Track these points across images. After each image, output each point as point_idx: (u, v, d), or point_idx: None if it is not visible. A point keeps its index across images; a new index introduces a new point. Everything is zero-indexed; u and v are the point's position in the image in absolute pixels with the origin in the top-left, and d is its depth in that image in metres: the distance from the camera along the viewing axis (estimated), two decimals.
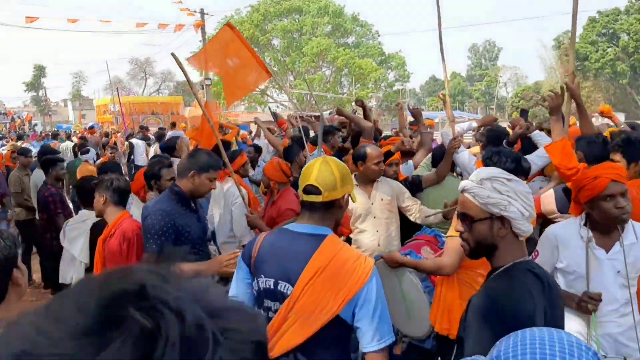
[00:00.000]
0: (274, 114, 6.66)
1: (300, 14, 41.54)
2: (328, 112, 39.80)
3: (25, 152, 6.93)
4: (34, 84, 48.66)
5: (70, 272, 3.69)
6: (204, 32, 22.51)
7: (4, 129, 32.31)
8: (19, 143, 13.75)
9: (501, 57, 68.40)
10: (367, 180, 3.62)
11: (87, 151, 7.55)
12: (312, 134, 6.43)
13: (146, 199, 3.95)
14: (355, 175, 3.49)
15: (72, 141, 14.68)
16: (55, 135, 16.85)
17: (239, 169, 4.63)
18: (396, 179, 3.94)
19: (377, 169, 3.56)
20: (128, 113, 40.16)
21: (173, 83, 63.27)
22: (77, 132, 29.28)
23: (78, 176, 6.82)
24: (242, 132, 13.69)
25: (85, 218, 3.78)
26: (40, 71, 48.81)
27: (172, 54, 3.25)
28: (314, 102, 35.40)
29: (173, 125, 14.95)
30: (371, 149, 3.57)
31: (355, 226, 3.60)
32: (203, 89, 23.26)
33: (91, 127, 19.09)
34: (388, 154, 3.92)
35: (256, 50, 24.19)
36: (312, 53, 38.58)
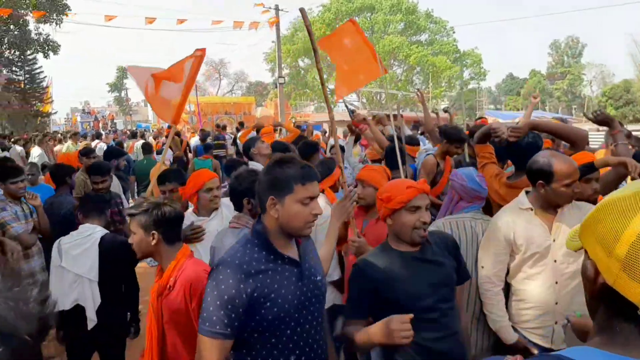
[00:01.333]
0: (352, 111, 6.08)
1: (372, 11, 41.12)
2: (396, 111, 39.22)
3: (87, 153, 6.29)
4: (117, 85, 51.47)
5: (73, 295, 3.15)
6: (278, 30, 22.62)
7: (88, 127, 34.30)
8: (94, 143, 13.97)
9: (585, 53, 64.34)
10: (550, 206, 2.51)
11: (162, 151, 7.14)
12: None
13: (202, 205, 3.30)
14: (527, 193, 2.63)
15: (145, 139, 14.71)
16: (134, 135, 16.67)
17: (335, 183, 3.68)
18: (595, 201, 2.76)
19: (568, 192, 2.41)
20: (202, 113, 41.54)
21: (246, 84, 64.80)
22: (154, 130, 30.52)
23: (151, 178, 6.60)
24: (315, 132, 13.22)
25: (89, 232, 3.24)
26: (122, 72, 51.52)
27: (300, 9, 2.65)
28: (383, 100, 34.68)
29: (241, 125, 14.57)
30: (561, 163, 2.40)
31: (523, 270, 2.56)
32: (276, 87, 23.32)
33: (168, 127, 19.54)
34: (586, 170, 2.69)
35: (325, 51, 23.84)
36: (384, 51, 38.02)
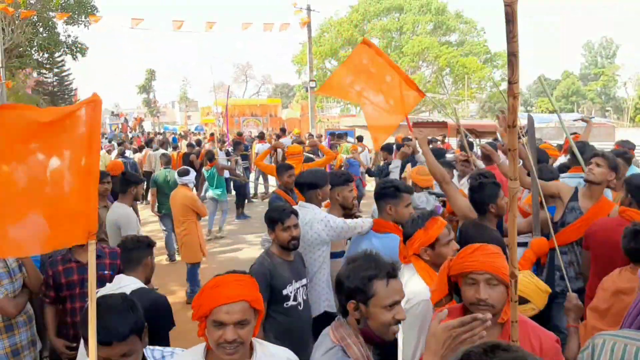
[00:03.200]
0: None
1: (400, 12, 40.52)
2: (427, 113, 38.33)
3: (100, 177, 5.35)
4: (146, 87, 52.05)
5: None
6: (309, 31, 22.32)
7: (117, 129, 34.63)
8: (112, 155, 13.27)
9: (619, 54, 62.55)
10: None
11: (187, 172, 6.20)
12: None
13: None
14: None
15: (165, 148, 13.91)
16: (148, 143, 15.03)
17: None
18: None
19: None
20: (229, 115, 41.60)
21: (272, 85, 64.89)
22: (182, 133, 30.54)
23: (172, 205, 6.19)
24: (349, 141, 12.31)
25: (124, 284, 2.79)
26: (151, 75, 52.09)
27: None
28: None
29: (283, 131, 13.97)
30: None
31: None
32: (307, 91, 22.97)
33: (197, 130, 19.27)
34: None
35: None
36: (413, 52, 37.41)
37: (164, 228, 7.76)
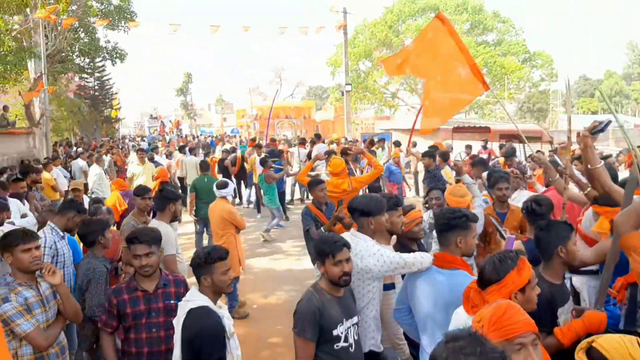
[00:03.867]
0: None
1: (436, 12, 39.74)
2: (464, 114, 37.37)
3: (142, 192, 5.05)
4: (183, 90, 52.90)
5: None
6: (346, 34, 22.11)
7: (155, 131, 35.24)
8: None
9: None
10: None
11: (225, 185, 5.99)
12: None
13: None
14: None
15: (197, 155, 13.72)
16: (182, 148, 14.65)
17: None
18: None
19: None
20: (263, 117, 41.83)
21: (305, 88, 64.90)
22: (218, 136, 30.78)
23: (210, 217, 5.99)
24: (385, 145, 11.81)
25: (190, 298, 2.72)
26: (188, 78, 52.92)
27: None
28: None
29: (318, 137, 13.64)
30: None
31: None
32: (343, 95, 22.74)
33: (233, 134, 19.26)
34: None
35: (387, 52, 23.24)
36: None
37: (197, 230, 8.24)
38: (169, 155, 14.23)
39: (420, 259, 2.83)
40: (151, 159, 13.47)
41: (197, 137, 29.65)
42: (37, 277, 3.04)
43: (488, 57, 36.30)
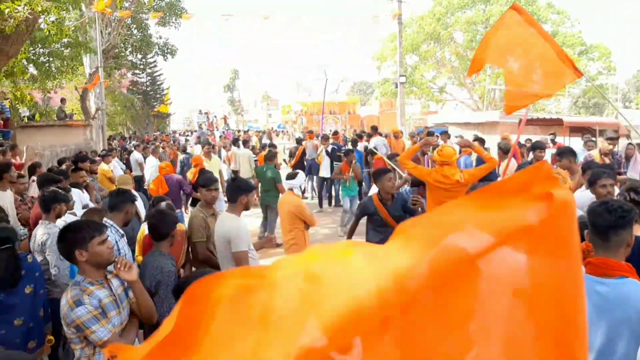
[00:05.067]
0: None
1: (486, 4, 38.50)
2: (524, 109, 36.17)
3: (207, 183, 4.73)
4: (230, 86, 53.49)
5: None
6: (400, 24, 21.55)
7: (204, 126, 35.66)
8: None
9: None
10: None
11: (294, 175, 5.65)
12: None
13: None
14: None
15: (248, 147, 13.54)
16: (235, 141, 13.94)
17: None
18: None
19: None
20: (308, 113, 41.67)
21: (350, 83, 64.46)
22: (265, 131, 30.82)
23: (280, 211, 5.68)
24: (453, 141, 11.15)
25: None
26: (235, 74, 53.47)
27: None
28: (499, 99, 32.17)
29: (375, 130, 13.28)
30: None
31: None
32: (397, 87, 22.18)
33: (280, 129, 19.14)
34: None
35: (436, 46, 22.38)
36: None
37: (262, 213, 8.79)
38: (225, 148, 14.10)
39: None
40: (184, 150, 13.52)
41: (246, 131, 29.81)
42: (106, 274, 2.74)
43: None
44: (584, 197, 3.95)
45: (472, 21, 37.27)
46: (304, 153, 12.48)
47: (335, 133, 14.79)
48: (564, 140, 12.23)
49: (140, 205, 5.61)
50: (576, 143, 12.45)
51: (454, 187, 5.11)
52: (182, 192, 8.13)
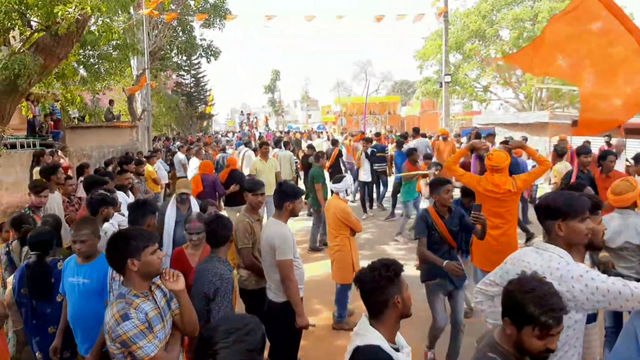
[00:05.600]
0: None
1: (534, 0, 37.22)
2: (560, 109, 34.77)
3: (254, 188, 4.55)
4: (271, 87, 53.83)
5: None
6: (446, 21, 21.07)
7: (245, 126, 36.01)
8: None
9: None
10: None
11: (339, 179, 5.48)
12: None
13: None
14: None
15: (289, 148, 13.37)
16: (277, 142, 14.15)
17: None
18: None
19: None
20: (349, 113, 41.46)
21: (391, 82, 63.76)
22: (304, 131, 30.79)
23: (327, 216, 5.45)
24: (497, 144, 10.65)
25: (358, 331, 2.23)
26: (276, 75, 53.76)
27: None
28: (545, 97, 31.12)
29: (417, 131, 12.77)
30: None
31: None
32: (440, 86, 21.69)
33: (320, 129, 18.96)
34: None
35: (481, 44, 21.70)
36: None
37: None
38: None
39: None
40: (223, 150, 13.51)
41: (287, 132, 29.88)
42: (150, 286, 2.60)
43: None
44: None
45: (519, 18, 36.09)
46: (339, 154, 12.30)
47: (378, 134, 14.52)
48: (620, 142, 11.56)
49: (194, 204, 5.54)
50: (635, 146, 11.77)
51: (506, 197, 4.75)
52: (216, 192, 8.25)
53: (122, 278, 2.60)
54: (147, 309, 2.46)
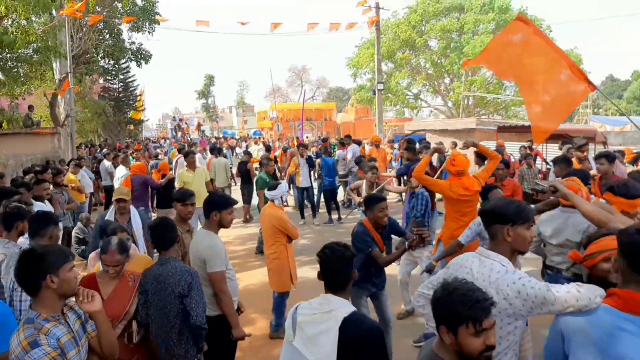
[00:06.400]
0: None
1: (461, 12, 39.02)
2: (487, 116, 36.58)
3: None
4: (204, 92, 52.85)
5: None
6: (378, 30, 21.55)
7: (177, 132, 35.10)
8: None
9: None
10: None
11: (274, 187, 5.41)
12: None
13: None
14: None
15: (223, 155, 12.84)
16: (212, 150, 13.82)
17: None
18: None
19: None
20: (285, 119, 41.46)
21: (327, 89, 64.45)
22: (239, 137, 30.39)
23: (261, 223, 5.37)
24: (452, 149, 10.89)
25: (330, 307, 2.40)
26: (209, 80, 52.87)
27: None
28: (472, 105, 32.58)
29: (349, 137, 12.71)
30: None
31: None
32: (374, 94, 22.11)
33: (256, 135, 18.80)
34: None
35: (411, 53, 22.60)
36: (474, 53, 35.74)
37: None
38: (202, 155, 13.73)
39: (588, 294, 2.01)
40: (156, 157, 13.08)
41: (226, 138, 29.35)
42: (62, 308, 2.37)
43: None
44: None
45: (446, 29, 37.64)
46: (275, 161, 12.16)
47: (325, 140, 14.37)
48: (541, 147, 12.25)
49: (134, 216, 5.40)
50: (553, 150, 12.50)
51: (474, 197, 4.89)
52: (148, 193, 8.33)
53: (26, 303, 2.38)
54: (59, 334, 2.21)
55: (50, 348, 2.12)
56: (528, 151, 11.44)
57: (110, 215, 5.32)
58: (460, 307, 1.78)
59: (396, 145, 14.29)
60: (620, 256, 1.97)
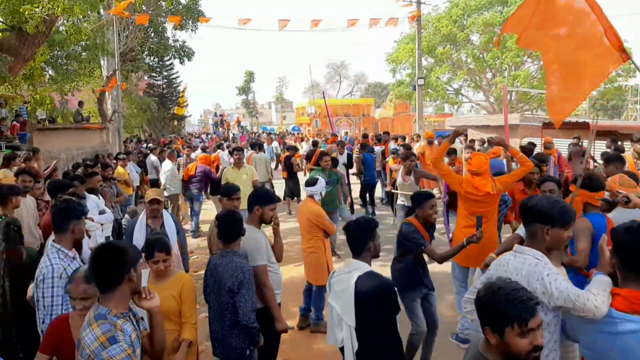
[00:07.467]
0: None
1: (504, 5, 38.03)
2: (530, 111, 35.54)
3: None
4: (245, 88, 53.57)
5: (339, 334, 2.93)
6: (419, 25, 21.33)
7: (218, 127, 35.80)
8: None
9: None
10: None
11: (314, 182, 5.34)
12: None
13: None
14: None
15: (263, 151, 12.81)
16: (253, 145, 13.30)
17: None
18: None
19: None
20: (323, 115, 41.60)
21: (365, 85, 64.14)
22: (278, 133, 30.72)
23: (299, 218, 5.44)
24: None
25: (352, 267, 2.96)
26: (250, 76, 53.52)
27: None
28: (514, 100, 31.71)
29: (387, 134, 12.61)
30: None
31: None
32: (414, 89, 21.94)
33: (295, 131, 18.95)
34: None
35: (452, 48, 22.02)
36: (517, 47, 34.81)
37: None
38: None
39: (602, 300, 2.04)
40: (204, 149, 13.50)
41: (269, 133, 29.76)
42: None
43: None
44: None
45: (489, 23, 36.82)
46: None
47: (365, 136, 14.30)
48: (587, 144, 11.84)
49: (167, 220, 5.22)
50: (601, 148, 12.08)
51: (485, 199, 4.74)
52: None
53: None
54: (129, 331, 2.20)
55: (126, 345, 2.13)
56: (578, 148, 11.07)
57: (141, 220, 4.75)
58: (504, 307, 1.75)
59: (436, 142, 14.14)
60: (614, 254, 2.04)
